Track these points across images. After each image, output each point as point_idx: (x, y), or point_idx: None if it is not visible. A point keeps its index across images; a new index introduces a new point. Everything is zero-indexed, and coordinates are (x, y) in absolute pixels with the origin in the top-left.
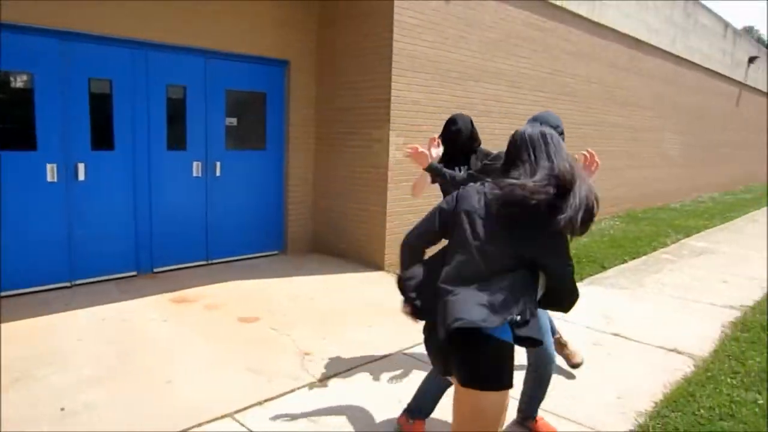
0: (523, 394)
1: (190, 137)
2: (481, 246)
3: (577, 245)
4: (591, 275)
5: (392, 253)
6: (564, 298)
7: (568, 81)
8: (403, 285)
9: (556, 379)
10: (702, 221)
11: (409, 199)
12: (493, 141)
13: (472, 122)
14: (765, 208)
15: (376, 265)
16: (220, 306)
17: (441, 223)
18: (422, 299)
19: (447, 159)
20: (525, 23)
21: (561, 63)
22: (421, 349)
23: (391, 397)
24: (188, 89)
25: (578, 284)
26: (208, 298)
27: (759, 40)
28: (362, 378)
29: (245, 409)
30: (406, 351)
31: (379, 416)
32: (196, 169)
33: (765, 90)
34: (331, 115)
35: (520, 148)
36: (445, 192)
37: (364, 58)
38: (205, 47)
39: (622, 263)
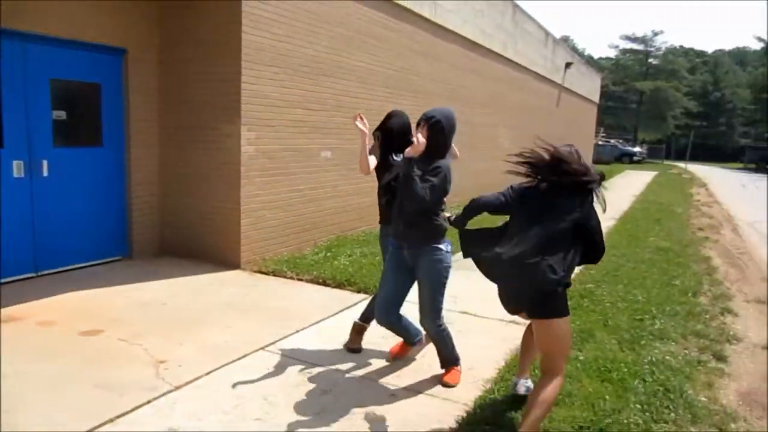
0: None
1: (8, 133)
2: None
3: None
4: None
5: (249, 251)
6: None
7: (414, 79)
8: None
9: (411, 359)
10: None
11: (264, 195)
12: (345, 135)
13: (408, 120)
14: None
15: (233, 264)
16: (57, 321)
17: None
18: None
19: (384, 149)
20: (373, 21)
21: (407, 61)
22: (282, 345)
23: (254, 396)
24: (3, 77)
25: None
26: (40, 314)
27: (573, 48)
28: (223, 380)
29: (94, 429)
30: (267, 348)
31: (243, 417)
32: (18, 169)
33: (579, 92)
34: (178, 109)
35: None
36: (380, 178)
37: (212, 49)
38: (21, 30)
39: None
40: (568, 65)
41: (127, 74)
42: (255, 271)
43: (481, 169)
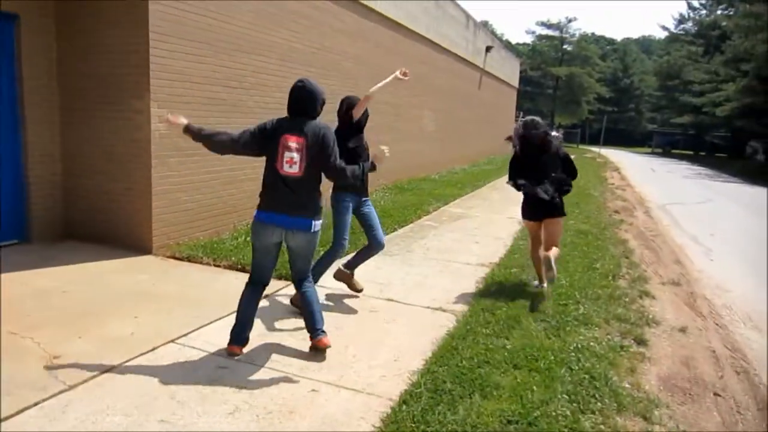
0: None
1: None
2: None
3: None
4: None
5: (162, 235)
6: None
7: (337, 58)
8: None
9: (335, 351)
10: (456, 190)
11: (179, 176)
12: (266, 114)
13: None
14: (504, 178)
15: (144, 249)
16: None
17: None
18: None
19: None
20: None
21: (331, 40)
22: (196, 336)
23: (161, 394)
24: None
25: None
26: None
27: (492, 33)
28: (126, 377)
29: None
30: (177, 340)
31: (146, 419)
32: None
33: (499, 76)
34: (81, 83)
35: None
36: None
37: (117, 19)
38: None
39: (393, 231)
40: (488, 49)
41: (20, 43)
42: (168, 257)
43: (406, 150)
